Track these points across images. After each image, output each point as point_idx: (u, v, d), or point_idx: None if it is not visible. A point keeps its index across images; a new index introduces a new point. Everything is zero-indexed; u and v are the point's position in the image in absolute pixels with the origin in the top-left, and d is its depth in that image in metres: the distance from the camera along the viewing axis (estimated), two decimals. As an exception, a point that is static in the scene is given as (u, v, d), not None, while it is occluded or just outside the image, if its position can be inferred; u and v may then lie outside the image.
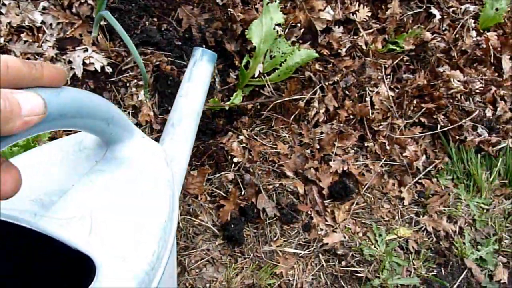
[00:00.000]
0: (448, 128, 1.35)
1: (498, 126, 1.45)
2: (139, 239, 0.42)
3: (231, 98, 1.20)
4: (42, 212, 0.40)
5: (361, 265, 1.15)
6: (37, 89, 0.30)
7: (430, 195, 1.28)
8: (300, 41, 1.32)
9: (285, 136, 1.25)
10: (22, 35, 1.13)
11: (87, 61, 1.13)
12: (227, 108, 1.20)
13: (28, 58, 1.12)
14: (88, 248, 0.38)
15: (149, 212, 0.45)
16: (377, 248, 1.17)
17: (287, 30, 1.30)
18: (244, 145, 1.20)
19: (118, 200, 0.44)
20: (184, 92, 0.76)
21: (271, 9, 1.11)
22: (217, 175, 1.17)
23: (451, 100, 1.39)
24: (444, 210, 1.27)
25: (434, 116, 1.36)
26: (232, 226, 1.13)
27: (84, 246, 0.38)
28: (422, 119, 1.35)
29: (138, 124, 1.15)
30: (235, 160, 1.18)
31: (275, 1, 1.14)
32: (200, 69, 0.77)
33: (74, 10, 1.15)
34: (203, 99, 0.77)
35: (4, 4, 1.13)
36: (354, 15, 1.42)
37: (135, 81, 1.17)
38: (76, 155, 0.47)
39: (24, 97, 0.28)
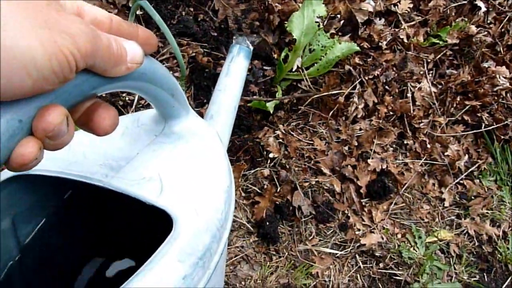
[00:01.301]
0: (492, 127, 1.28)
1: (544, 126, 1.38)
2: (208, 198, 0.45)
3: (269, 92, 1.17)
4: (112, 173, 0.42)
5: (400, 268, 1.11)
6: None
7: (472, 197, 1.23)
8: (340, 33, 1.27)
9: (322, 132, 1.21)
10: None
11: (122, 51, 1.10)
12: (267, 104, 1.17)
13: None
14: (164, 203, 0.40)
15: (213, 176, 0.47)
16: (416, 251, 1.13)
17: (326, 21, 1.25)
18: (280, 140, 1.17)
19: (182, 166, 0.46)
20: (223, 87, 0.79)
21: (313, 1, 1.06)
22: (253, 171, 1.14)
23: (496, 98, 1.32)
24: (487, 213, 1.21)
25: (478, 114, 1.30)
26: (267, 223, 1.10)
27: (160, 202, 0.40)
28: (465, 117, 1.29)
29: (173, 117, 1.13)
30: (271, 155, 1.15)
31: (319, -8, 1.09)
32: (237, 65, 0.81)
33: (110, -2, 1.13)
34: (239, 93, 0.80)
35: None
36: (396, 6, 1.36)
37: (171, 72, 1.14)
38: (135, 130, 0.49)
39: (129, 44, 0.31)
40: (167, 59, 1.15)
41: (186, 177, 0.45)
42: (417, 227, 1.17)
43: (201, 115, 1.13)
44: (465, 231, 1.19)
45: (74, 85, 0.28)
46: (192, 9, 1.17)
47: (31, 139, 0.26)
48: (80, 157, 0.45)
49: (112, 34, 0.30)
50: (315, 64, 1.17)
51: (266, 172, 1.14)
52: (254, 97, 1.15)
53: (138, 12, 1.13)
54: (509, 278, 1.14)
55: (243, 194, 1.13)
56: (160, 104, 0.45)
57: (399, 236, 1.15)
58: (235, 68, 0.81)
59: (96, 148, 0.45)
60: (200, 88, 1.15)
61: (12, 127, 0.24)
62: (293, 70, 1.18)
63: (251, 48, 0.91)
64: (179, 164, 0.46)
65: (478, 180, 1.26)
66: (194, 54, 1.15)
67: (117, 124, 0.33)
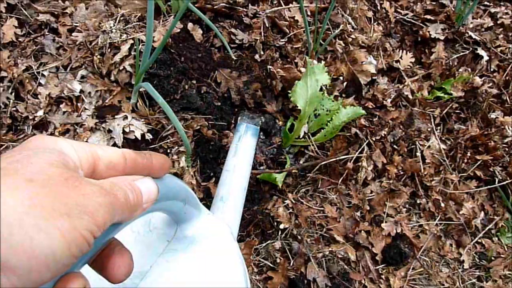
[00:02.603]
0: (506, 182, 1.25)
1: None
2: None
3: (277, 161, 1.15)
4: None
5: None
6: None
7: (493, 257, 1.19)
8: (343, 95, 1.26)
9: (332, 197, 1.18)
10: (61, 105, 1.11)
11: (127, 129, 1.09)
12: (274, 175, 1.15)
13: (68, 129, 1.10)
14: None
15: (229, 284, 0.46)
16: (439, 321, 1.08)
17: (328, 84, 1.24)
18: (290, 210, 1.14)
19: (197, 278, 0.45)
20: (231, 167, 0.78)
21: (316, 70, 1.05)
22: (264, 244, 1.11)
23: (507, 149, 1.29)
24: (510, 274, 1.17)
25: (491, 169, 1.27)
26: (282, 299, 1.06)
27: None
28: (478, 172, 1.26)
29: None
30: (281, 226, 1.12)
31: (320, 62, 1.08)
32: (245, 144, 0.81)
33: (112, 77, 1.13)
34: (248, 173, 0.79)
35: (43, 75, 1.12)
36: (398, 62, 1.35)
37: (176, 147, 1.13)
38: (147, 235, 0.48)
39: (144, 184, 0.32)
40: (172, 134, 1.14)
41: None
42: (437, 294, 1.12)
43: (208, 189, 1.11)
44: (488, 295, 1.14)
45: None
46: (194, 82, 1.17)
47: None
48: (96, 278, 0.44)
49: (128, 174, 0.32)
50: (322, 130, 1.16)
51: (277, 244, 1.11)
52: (262, 168, 1.13)
53: (141, 89, 1.13)
54: None
55: (255, 270, 1.09)
56: (172, 213, 0.45)
57: (420, 305, 1.11)
58: (243, 148, 0.81)
59: None
60: (206, 161, 1.13)
61: None
62: (300, 137, 1.16)
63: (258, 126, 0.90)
64: (194, 277, 0.45)
65: (496, 238, 1.22)
66: (198, 127, 1.14)
67: (131, 271, 0.32)
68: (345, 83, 1.25)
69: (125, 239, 0.48)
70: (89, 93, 1.13)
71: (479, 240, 1.21)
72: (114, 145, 1.10)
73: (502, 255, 1.19)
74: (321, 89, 1.11)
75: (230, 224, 0.70)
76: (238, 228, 0.76)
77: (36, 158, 0.26)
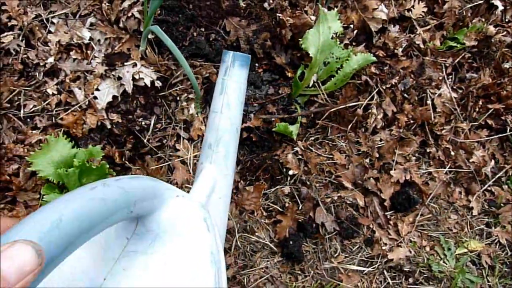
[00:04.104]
0: (518, 130, 1.24)
1: None
2: None
3: (287, 111, 1.15)
4: None
5: (431, 283, 1.07)
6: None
7: (502, 204, 1.19)
8: (354, 43, 1.25)
9: (341, 145, 1.18)
10: (71, 53, 1.11)
11: (136, 76, 1.10)
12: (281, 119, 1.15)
13: (78, 76, 1.11)
14: None
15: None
16: (446, 264, 1.09)
17: (339, 32, 1.22)
18: (299, 156, 1.15)
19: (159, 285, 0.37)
20: (218, 107, 0.67)
21: (329, 17, 1.04)
22: (273, 189, 1.12)
23: (520, 99, 1.27)
24: (519, 220, 1.17)
25: (502, 118, 1.25)
26: (291, 242, 1.08)
27: None
28: (489, 121, 1.25)
29: (191, 139, 1.12)
30: (290, 172, 1.13)
31: (333, 9, 1.07)
32: (233, 78, 0.67)
33: (121, 24, 1.13)
34: (240, 112, 0.68)
35: (52, 23, 1.12)
36: (410, 11, 1.33)
37: (186, 94, 1.13)
38: (104, 232, 0.40)
39: (5, 261, 0.22)
40: (181, 81, 1.14)
41: None
42: (445, 239, 1.13)
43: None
44: (496, 240, 1.15)
45: None
46: (203, 29, 1.16)
47: None
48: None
49: None
50: (332, 78, 1.15)
51: (286, 189, 1.12)
52: (270, 115, 1.14)
53: (150, 36, 1.13)
54: (547, 288, 1.10)
55: (264, 214, 1.11)
56: (119, 222, 0.36)
57: (428, 249, 1.12)
58: (231, 82, 0.67)
59: (57, 278, 0.37)
60: (216, 108, 1.14)
61: None
62: (310, 85, 1.16)
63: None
64: (155, 284, 0.38)
65: (506, 186, 1.22)
66: (208, 74, 1.14)
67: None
68: (355, 31, 1.23)
69: None
70: (99, 40, 1.13)
71: (489, 188, 1.21)
72: (124, 92, 1.11)
73: (511, 202, 1.19)
74: (332, 38, 1.10)
75: (222, 172, 0.61)
76: (234, 175, 0.67)
77: None
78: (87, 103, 1.08)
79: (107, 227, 0.32)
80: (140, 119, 1.11)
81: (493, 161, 1.23)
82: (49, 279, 0.31)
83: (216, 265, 0.42)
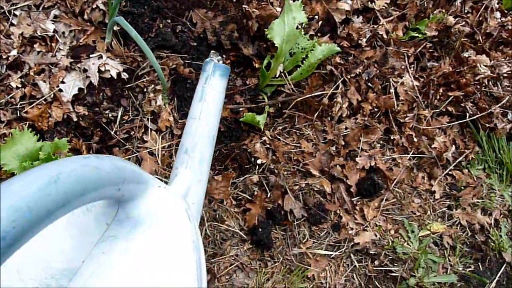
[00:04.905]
0: (477, 116, 1.29)
1: (528, 111, 1.39)
2: None
3: (255, 101, 1.17)
4: None
5: (395, 264, 1.11)
6: None
7: (462, 187, 1.24)
8: (319, 34, 1.27)
9: (308, 133, 1.21)
10: (35, 45, 1.10)
11: (102, 68, 1.10)
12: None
13: (43, 69, 1.10)
14: None
15: (177, 276, 0.39)
16: (410, 246, 1.13)
17: (304, 23, 1.25)
18: (267, 146, 1.17)
19: (135, 274, 0.37)
20: (197, 114, 0.70)
21: (293, 8, 1.06)
22: (242, 178, 1.14)
23: (478, 87, 1.33)
24: (478, 202, 1.22)
25: (462, 104, 1.30)
26: (260, 230, 1.10)
27: None
28: (450, 108, 1.30)
29: (159, 130, 1.13)
30: (258, 161, 1.15)
31: (298, 0, 1.09)
32: (213, 87, 0.70)
33: (86, 16, 1.12)
34: (217, 119, 0.70)
35: (15, 15, 1.11)
36: (373, 3, 1.36)
37: (153, 86, 1.14)
38: (84, 216, 0.40)
39: None
40: (148, 72, 1.14)
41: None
42: (409, 222, 1.17)
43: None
44: (457, 222, 1.20)
45: None
46: (169, 21, 1.17)
47: None
48: (14, 277, 0.35)
49: None
50: (298, 68, 1.17)
51: (255, 178, 1.14)
52: (237, 105, 1.15)
53: (116, 28, 1.13)
54: (503, 266, 1.15)
55: (233, 202, 1.12)
56: (105, 199, 0.37)
57: (392, 232, 1.16)
58: (211, 91, 0.70)
59: (34, 255, 0.36)
60: (184, 99, 1.15)
61: None
62: (276, 76, 1.18)
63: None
64: (134, 273, 0.37)
65: (466, 170, 1.27)
66: (174, 66, 1.14)
67: None
68: (320, 22, 1.26)
69: (56, 222, 0.40)
70: (63, 33, 1.12)
71: (450, 172, 1.26)
72: (90, 84, 1.10)
73: (471, 185, 1.24)
74: (297, 28, 1.12)
75: (197, 177, 0.62)
76: (207, 179, 0.68)
77: None
78: (52, 96, 1.07)
79: (95, 200, 0.32)
80: (107, 111, 1.11)
81: (453, 147, 1.28)
82: (19, 274, 0.33)
83: (197, 253, 0.42)
